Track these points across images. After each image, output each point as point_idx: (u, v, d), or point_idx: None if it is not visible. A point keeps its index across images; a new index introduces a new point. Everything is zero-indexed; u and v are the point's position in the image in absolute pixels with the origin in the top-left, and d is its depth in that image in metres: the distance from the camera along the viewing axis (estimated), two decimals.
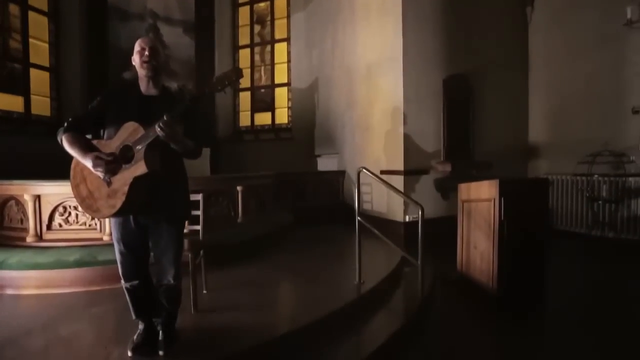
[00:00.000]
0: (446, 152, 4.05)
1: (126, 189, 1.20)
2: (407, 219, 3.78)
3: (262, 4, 6.36)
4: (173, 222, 1.41)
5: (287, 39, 6.16)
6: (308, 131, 5.69)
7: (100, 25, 4.99)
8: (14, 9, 4.43)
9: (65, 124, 1.35)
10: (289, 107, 6.20)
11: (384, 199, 4.02)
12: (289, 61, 6.18)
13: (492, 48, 4.37)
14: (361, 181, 4.51)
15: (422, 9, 3.88)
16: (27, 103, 4.57)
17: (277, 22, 6.27)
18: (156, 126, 1.18)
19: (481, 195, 2.38)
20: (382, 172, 3.77)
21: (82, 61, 4.92)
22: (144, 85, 1.42)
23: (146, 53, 1.36)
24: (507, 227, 2.21)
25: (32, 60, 4.61)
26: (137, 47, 1.40)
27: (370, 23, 4.28)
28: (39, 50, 4.70)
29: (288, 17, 6.12)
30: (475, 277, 2.44)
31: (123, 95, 1.44)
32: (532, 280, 2.31)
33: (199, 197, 1.88)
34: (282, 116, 6.26)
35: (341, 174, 4.83)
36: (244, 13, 6.44)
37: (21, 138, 4.25)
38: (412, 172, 3.83)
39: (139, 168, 1.20)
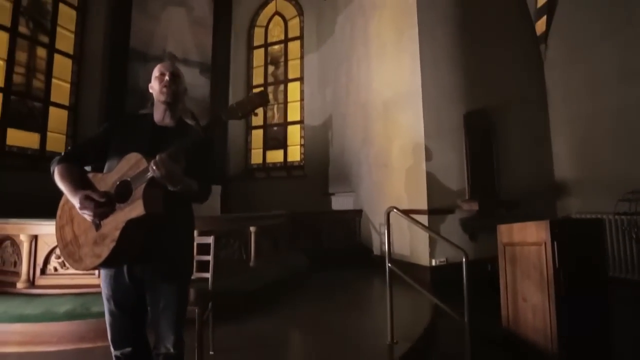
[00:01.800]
0: (471, 190, 3.79)
1: (117, 234, 0.98)
2: (433, 263, 3.44)
3: (276, 47, 6.58)
4: (175, 277, 1.16)
5: (301, 79, 6.26)
6: (321, 169, 5.55)
7: (120, 67, 5.13)
8: (41, 52, 4.59)
9: (62, 153, 1.17)
10: (301, 145, 6.13)
11: (406, 241, 3.72)
12: (302, 99, 6.22)
13: (510, 84, 4.28)
14: (379, 221, 4.31)
15: (439, 45, 3.86)
16: (43, 140, 4.56)
17: (290, 63, 6.43)
18: (150, 164, 0.98)
19: (527, 238, 2.09)
20: (404, 211, 3.50)
21: (100, 100, 4.99)
22: (159, 115, 1.25)
23: (166, 78, 1.21)
24: (563, 277, 1.89)
25: (53, 99, 4.69)
26: (156, 72, 1.25)
27: (385, 60, 4.28)
28: (61, 89, 4.79)
29: (301, 58, 6.28)
30: (527, 336, 2.07)
31: (133, 123, 1.26)
32: (598, 340, 1.93)
33: (209, 239, 1.64)
34: (295, 153, 6.17)
35: (358, 213, 4.57)
36: (258, 55, 6.65)
37: (34, 174, 4.17)
38: (436, 212, 3.56)
39: (135, 209, 0.98)
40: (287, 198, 5.24)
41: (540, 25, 4.52)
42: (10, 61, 4.24)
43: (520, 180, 4.11)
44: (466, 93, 3.95)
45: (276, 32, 6.57)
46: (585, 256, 2.00)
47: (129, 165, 1.07)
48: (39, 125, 4.53)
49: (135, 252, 1.04)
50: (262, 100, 1.10)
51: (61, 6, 4.76)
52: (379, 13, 4.40)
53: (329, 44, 5.69)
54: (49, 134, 4.61)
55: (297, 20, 6.36)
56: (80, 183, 1.09)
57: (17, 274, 2.21)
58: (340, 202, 4.98)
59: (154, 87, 1.24)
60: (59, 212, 1.12)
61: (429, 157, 3.66)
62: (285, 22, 6.47)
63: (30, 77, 4.49)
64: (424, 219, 3.48)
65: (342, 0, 5.29)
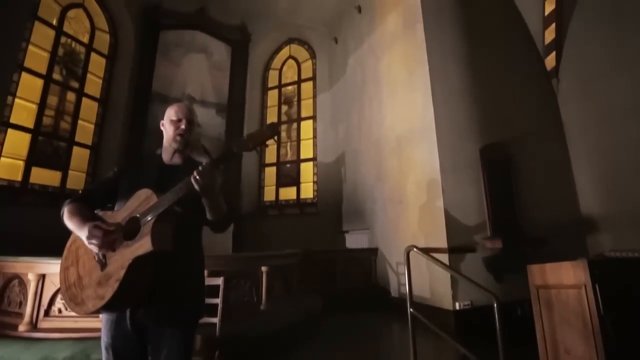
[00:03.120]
0: (492, 227, 3.60)
1: (122, 273, 0.91)
2: (457, 307, 3.18)
3: (289, 87, 6.84)
4: (182, 321, 1.06)
5: (313, 117, 6.40)
6: (335, 206, 5.46)
7: (142, 109, 5.37)
8: (71, 96, 4.89)
9: (74, 196, 1.15)
10: (314, 182, 6.11)
11: (425, 281, 3.49)
12: (314, 137, 6.32)
13: (525, 117, 4.23)
14: (395, 260, 4.10)
15: (450, 82, 3.90)
16: (64, 178, 4.69)
17: (303, 102, 6.63)
18: (192, 176, 0.97)
19: (564, 280, 1.90)
20: (424, 250, 3.33)
21: (121, 140, 5.18)
22: (167, 155, 1.25)
23: (182, 127, 1.22)
24: (611, 326, 1.67)
25: (77, 139, 4.90)
26: (172, 115, 1.25)
27: (397, 97, 4.34)
28: (85, 129, 5.02)
29: (314, 97, 6.48)
30: None
31: (142, 164, 1.26)
32: None
33: (219, 281, 1.55)
34: (308, 191, 6.13)
35: (373, 251, 4.38)
36: (272, 95, 6.90)
37: (52, 212, 4.23)
38: (457, 250, 3.36)
39: (143, 246, 0.92)
40: (300, 236, 5.11)
41: (550, 61, 4.56)
42: (42, 105, 4.51)
43: (544, 216, 3.90)
44: (480, 127, 3.91)
45: (290, 74, 6.87)
46: (630, 301, 1.79)
47: (139, 201, 1.03)
48: (62, 163, 4.69)
49: (140, 293, 0.96)
50: (273, 131, 1.08)
51: (93, 55, 5.14)
52: (388, 53, 4.54)
53: (340, 83, 5.88)
54: (70, 172, 4.75)
55: (309, 62, 6.66)
56: (90, 218, 1.06)
57: (21, 316, 2.13)
58: (354, 240, 4.82)
59: (168, 130, 1.25)
60: (65, 253, 1.07)
61: (445, 192, 3.54)
62: (299, 64, 6.78)
63: (59, 119, 4.73)
64: (443, 257, 3.29)
65: (352, 43, 5.53)
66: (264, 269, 2.75)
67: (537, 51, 4.58)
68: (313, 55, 6.61)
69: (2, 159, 4.08)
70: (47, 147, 4.58)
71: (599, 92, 4.20)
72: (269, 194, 6.39)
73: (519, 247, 3.49)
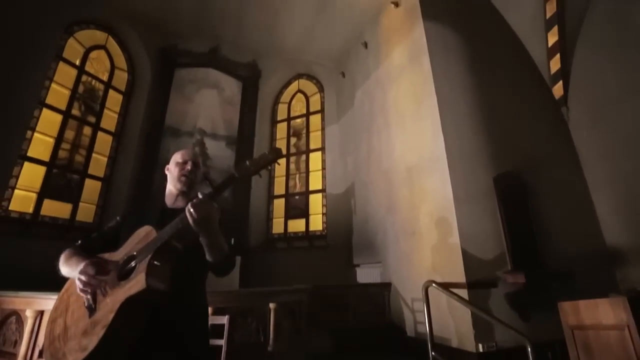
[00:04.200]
0: (512, 260, 3.41)
1: (110, 317, 0.82)
2: (480, 349, 2.92)
3: (298, 120, 6.96)
4: None
5: (322, 149, 6.44)
6: (345, 238, 5.31)
7: (154, 142, 5.49)
8: (87, 130, 5.04)
9: (73, 246, 1.11)
10: (323, 213, 6.01)
11: (444, 320, 3.25)
12: (323, 168, 6.31)
13: (537, 146, 4.16)
14: (410, 295, 3.87)
15: (458, 111, 3.90)
16: (75, 210, 4.71)
17: (312, 134, 6.71)
18: (187, 208, 0.90)
19: (602, 320, 1.72)
20: (443, 285, 3.14)
21: (132, 172, 5.24)
22: (170, 199, 1.21)
23: (188, 167, 1.20)
24: None
25: (90, 171, 4.97)
26: (178, 159, 1.24)
27: (406, 128, 4.34)
28: (98, 162, 5.11)
29: (322, 129, 6.56)
30: None
31: (145, 211, 1.22)
32: None
33: (223, 319, 1.44)
34: (317, 223, 6.01)
35: (386, 286, 4.17)
36: (281, 128, 7.02)
37: (60, 244, 4.19)
38: (477, 285, 3.16)
39: (137, 284, 0.84)
40: (309, 270, 4.94)
41: (558, 89, 4.56)
42: (59, 138, 4.65)
43: (567, 247, 3.69)
44: (492, 156, 3.84)
45: (298, 107, 7.03)
46: None
47: (138, 238, 0.97)
48: (74, 196, 4.73)
49: (130, 341, 0.86)
50: (276, 154, 1.04)
51: (111, 92, 5.37)
52: (396, 85, 4.62)
53: (348, 116, 5.96)
54: (80, 204, 4.77)
55: (318, 96, 6.82)
56: (87, 259, 1.00)
57: (15, 357, 2.01)
58: (366, 275, 4.61)
59: (172, 172, 1.24)
60: (55, 303, 1.00)
61: (460, 223, 3.40)
62: (307, 98, 6.96)
63: (74, 152, 4.85)
64: (462, 293, 3.07)
65: (359, 77, 5.68)
66: (271, 306, 2.60)
67: (544, 80, 4.61)
68: (321, 89, 6.79)
69: (16, 191, 4.14)
70: (61, 179, 4.64)
71: (611, 118, 4.14)
72: (278, 227, 6.28)
73: (543, 282, 3.27)
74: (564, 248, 3.65)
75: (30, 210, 4.24)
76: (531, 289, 3.14)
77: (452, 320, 3.18)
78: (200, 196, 0.95)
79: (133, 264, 0.92)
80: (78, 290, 0.93)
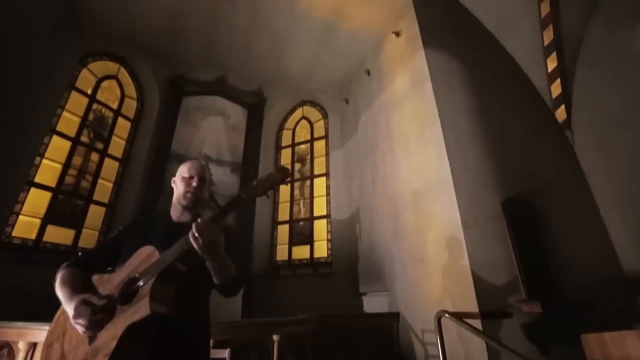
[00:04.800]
0: (527, 288, 3.27)
1: (112, 345, 0.77)
2: None
3: (302, 146, 7.02)
4: None
5: (326, 174, 6.44)
6: (350, 265, 5.17)
7: (160, 168, 5.53)
8: (94, 156, 5.11)
9: (71, 259, 1.07)
10: (328, 240, 5.90)
11: (457, 352, 3.07)
12: (328, 194, 6.27)
13: (544, 169, 4.11)
14: (420, 326, 3.69)
15: (463, 135, 3.90)
16: (77, 236, 4.67)
17: (316, 160, 6.73)
18: (191, 232, 0.87)
19: (631, 354, 1.60)
20: (456, 315, 2.99)
21: (137, 198, 5.24)
22: (176, 213, 1.18)
23: (193, 184, 1.17)
24: None
25: (95, 197, 4.98)
26: (184, 172, 1.22)
27: (410, 152, 4.34)
28: (104, 188, 5.13)
29: (327, 155, 6.59)
30: None
31: (148, 223, 1.19)
32: None
33: (224, 353, 1.36)
34: (321, 249, 5.89)
35: (394, 316, 3.99)
36: (286, 154, 7.07)
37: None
38: (490, 315, 3.01)
39: (140, 310, 0.80)
40: (314, 298, 4.78)
41: (561, 113, 4.57)
42: (67, 165, 4.70)
43: (581, 274, 3.53)
44: (499, 179, 3.79)
45: (302, 133, 7.12)
46: None
47: (140, 259, 0.93)
48: (77, 221, 4.71)
49: None
50: (284, 175, 1.01)
51: (120, 119, 5.49)
52: (399, 111, 4.68)
53: (352, 141, 6.00)
54: (83, 230, 4.74)
55: (322, 122, 6.93)
56: (80, 288, 0.95)
57: None
58: (373, 304, 4.44)
59: (178, 186, 1.21)
60: (51, 327, 0.95)
61: (470, 249, 3.30)
62: (311, 124, 7.06)
63: (80, 178, 4.88)
64: (476, 324, 2.92)
65: (362, 103, 5.77)
66: (275, 337, 2.47)
67: (546, 104, 4.64)
68: (325, 116, 6.90)
69: (20, 216, 4.13)
70: (66, 205, 4.65)
71: (617, 140, 4.10)
72: (282, 253, 6.16)
73: (560, 311, 3.10)
74: (579, 275, 3.50)
75: (33, 236, 4.21)
76: (549, 319, 2.98)
77: (465, 353, 3.00)
78: (201, 221, 0.91)
79: (135, 286, 0.87)
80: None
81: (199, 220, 0.91)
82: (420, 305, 3.65)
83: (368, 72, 5.64)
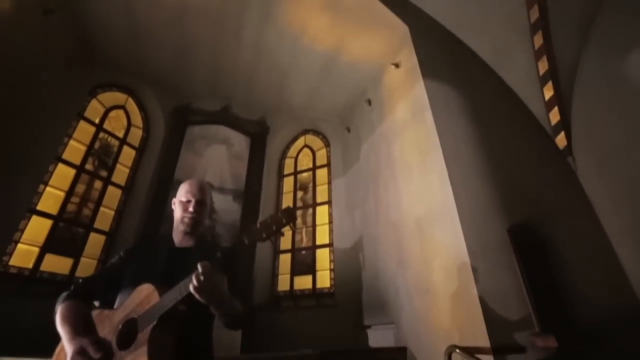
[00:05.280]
0: (539, 320, 3.12)
1: None
2: None
3: (304, 174, 7.05)
4: None
5: (329, 202, 6.41)
6: (354, 296, 5.00)
7: (162, 196, 5.53)
8: (98, 184, 5.13)
9: (71, 287, 1.03)
10: (331, 269, 5.76)
11: None
12: (330, 222, 6.21)
13: (548, 195, 4.06)
14: None
15: (465, 163, 3.91)
16: (75, 265, 4.58)
17: (318, 188, 6.73)
18: (191, 283, 0.84)
19: None
20: (460, 350, 2.84)
21: (137, 226, 5.20)
22: (178, 237, 1.16)
23: (191, 208, 1.14)
24: None
25: (96, 225, 4.95)
26: (182, 196, 1.20)
27: (412, 180, 4.33)
28: (105, 216, 5.11)
29: (329, 183, 6.60)
30: None
31: (150, 247, 1.16)
32: None
33: None
34: (324, 279, 5.74)
35: (401, 351, 3.79)
36: (288, 182, 7.09)
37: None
38: (503, 350, 2.85)
39: (138, 358, 0.76)
40: (316, 331, 4.59)
41: (561, 140, 4.60)
42: (70, 192, 4.71)
43: (597, 306, 3.37)
44: (504, 207, 3.75)
45: (305, 161, 7.18)
46: None
47: (140, 298, 0.90)
48: (76, 250, 4.64)
49: None
50: (289, 217, 0.96)
51: (125, 147, 5.58)
52: (400, 139, 4.73)
53: (354, 169, 6.03)
54: (82, 258, 4.66)
55: (324, 150, 7.00)
56: (81, 326, 0.92)
57: None
58: (378, 337, 4.24)
59: (177, 210, 1.19)
60: None
61: (478, 279, 3.20)
62: (313, 152, 7.14)
63: (82, 206, 4.88)
64: (488, 359, 2.77)
65: (364, 132, 5.86)
66: None
67: (546, 131, 4.69)
68: (327, 144, 6.99)
69: (19, 245, 4.08)
70: (66, 233, 4.61)
71: (620, 166, 4.08)
72: (284, 283, 6.00)
73: (577, 346, 2.94)
74: (593, 305, 3.35)
75: (30, 265, 4.14)
76: (564, 354, 2.82)
77: None
78: (201, 268, 0.87)
79: (134, 330, 0.83)
80: None
81: (199, 267, 0.86)
82: (429, 339, 3.48)
83: (369, 102, 5.77)
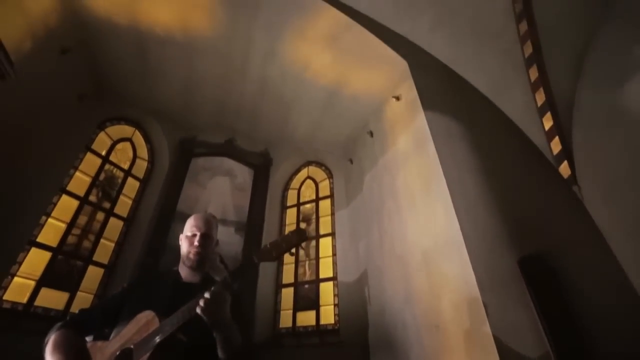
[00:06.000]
0: (557, 357, 2.92)
1: None
2: None
3: (307, 206, 7.01)
4: None
5: (332, 234, 6.31)
6: (359, 333, 4.76)
7: (164, 228, 5.48)
8: (100, 215, 5.11)
9: (67, 318, 0.99)
10: (335, 304, 5.54)
11: None
12: (334, 254, 6.07)
13: (557, 224, 3.96)
14: None
15: (470, 193, 3.87)
16: (71, 299, 4.42)
17: (321, 220, 6.66)
18: (200, 307, 0.84)
19: None
20: None
21: (137, 259, 5.10)
22: (184, 272, 1.14)
23: (196, 243, 1.14)
24: None
25: (95, 257, 4.86)
26: (188, 230, 1.19)
27: (417, 211, 4.28)
28: (105, 248, 5.03)
29: (332, 214, 6.54)
30: None
31: (155, 281, 1.12)
32: None
33: None
34: (328, 315, 5.49)
35: None
36: (291, 213, 7.03)
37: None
38: None
39: None
40: None
41: (564, 169, 4.58)
42: (71, 224, 4.68)
43: (618, 341, 3.17)
44: (512, 238, 3.65)
45: (308, 193, 7.17)
46: None
47: (138, 327, 0.85)
48: (73, 284, 4.51)
49: None
50: (300, 237, 0.95)
51: (129, 179, 5.63)
52: (403, 170, 4.74)
53: (358, 200, 5.99)
54: (78, 293, 4.52)
55: (327, 182, 7.02)
56: (73, 356, 0.85)
57: None
58: None
59: (183, 245, 1.18)
60: None
61: (490, 314, 3.04)
62: (316, 184, 7.15)
63: (82, 238, 4.82)
64: None
65: (367, 163, 5.90)
66: None
67: (549, 161, 4.69)
68: (330, 175, 7.02)
69: (16, 278, 3.98)
70: (64, 266, 4.51)
71: (626, 194, 4.02)
72: (286, 319, 5.74)
73: None
74: (615, 343, 3.15)
75: (25, 300, 4.01)
76: None
77: None
78: (208, 295, 0.84)
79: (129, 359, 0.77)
80: None
81: (211, 289, 0.84)
82: None
83: (371, 134, 5.87)
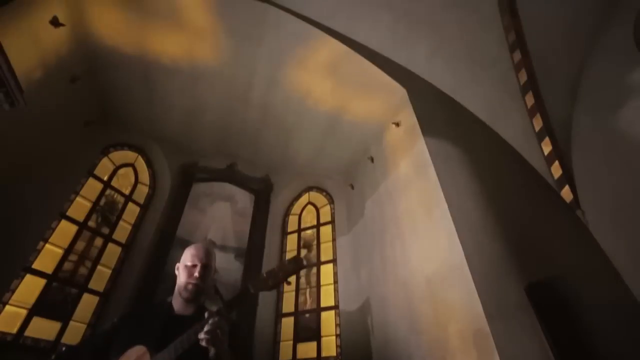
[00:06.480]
0: None
1: None
2: None
3: (308, 231, 6.92)
4: None
5: (333, 260, 6.18)
6: None
7: (163, 254, 5.38)
8: (98, 241, 5.04)
9: (53, 357, 0.95)
10: (337, 335, 5.32)
11: None
12: (335, 282, 5.91)
13: (563, 250, 3.89)
14: None
15: (473, 218, 3.84)
16: (62, 330, 4.26)
17: (323, 246, 6.55)
18: (191, 333, 0.83)
19: None
20: None
21: (134, 286, 4.97)
22: (177, 304, 1.10)
23: (196, 274, 1.12)
24: None
25: (91, 285, 4.73)
26: (187, 260, 1.17)
27: (420, 236, 4.22)
28: (101, 275, 4.92)
29: (333, 240, 6.44)
30: None
31: (147, 314, 1.08)
32: None
33: None
34: (330, 346, 5.27)
35: None
36: (292, 239, 6.93)
37: None
38: None
39: None
40: None
41: (566, 194, 4.54)
42: (68, 250, 4.60)
43: None
44: (517, 264, 3.56)
45: (309, 218, 7.11)
46: None
47: None
48: (66, 313, 4.36)
49: None
50: (297, 266, 0.93)
51: (130, 204, 5.60)
52: (405, 195, 4.72)
53: (359, 226, 5.93)
54: (71, 322, 4.36)
55: (328, 207, 6.97)
56: None
57: None
58: None
59: (181, 275, 1.15)
60: None
61: (499, 344, 2.90)
62: (317, 209, 7.10)
63: (79, 264, 4.72)
64: None
65: (368, 188, 5.89)
66: None
67: (550, 185, 4.67)
68: (331, 201, 6.99)
69: (7, 306, 3.86)
70: (58, 294, 4.39)
71: (633, 220, 3.97)
72: (286, 351, 5.49)
73: None
74: None
75: (15, 330, 3.86)
76: None
77: None
78: (209, 326, 0.81)
79: None
80: None
81: (215, 319, 0.81)
82: None
83: (372, 159, 5.91)
